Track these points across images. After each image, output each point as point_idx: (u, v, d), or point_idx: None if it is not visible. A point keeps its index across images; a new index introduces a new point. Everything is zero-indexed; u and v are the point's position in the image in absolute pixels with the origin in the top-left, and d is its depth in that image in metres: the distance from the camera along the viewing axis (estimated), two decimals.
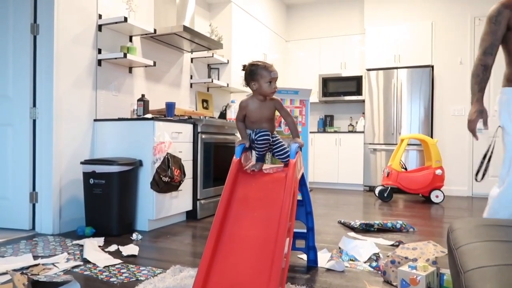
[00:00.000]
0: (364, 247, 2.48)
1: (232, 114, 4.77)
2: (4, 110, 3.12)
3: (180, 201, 3.43)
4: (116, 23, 3.36)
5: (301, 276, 2.10)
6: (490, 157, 2.23)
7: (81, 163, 3.02)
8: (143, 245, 2.70)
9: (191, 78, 4.70)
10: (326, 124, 6.63)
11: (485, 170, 2.26)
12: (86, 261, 2.27)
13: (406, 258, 2.08)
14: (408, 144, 5.27)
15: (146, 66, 3.80)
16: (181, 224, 3.43)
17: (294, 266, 2.27)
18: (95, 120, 3.33)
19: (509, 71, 2.05)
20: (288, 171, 1.88)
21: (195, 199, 3.61)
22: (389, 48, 5.89)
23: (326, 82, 6.39)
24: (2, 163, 3.12)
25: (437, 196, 4.73)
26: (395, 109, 5.75)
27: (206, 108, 4.92)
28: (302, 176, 2.14)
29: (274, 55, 6.34)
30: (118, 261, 2.28)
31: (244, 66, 1.92)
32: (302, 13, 6.88)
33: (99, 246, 2.59)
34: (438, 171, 4.72)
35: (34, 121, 3.06)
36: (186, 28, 3.78)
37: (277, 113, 2.03)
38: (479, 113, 2.06)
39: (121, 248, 2.55)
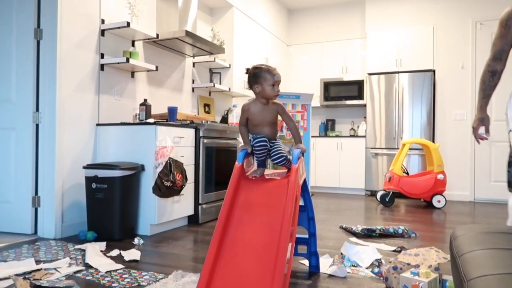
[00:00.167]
0: (366, 253, 2.48)
1: (234, 118, 4.78)
2: (7, 115, 3.13)
3: (181, 205, 3.43)
4: (118, 28, 3.38)
5: (303, 282, 2.10)
6: None
7: (84, 167, 3.03)
8: (145, 250, 2.70)
9: (193, 82, 4.72)
10: (327, 128, 6.63)
11: None
12: (88, 266, 2.27)
13: (408, 264, 2.08)
14: (409, 149, 5.27)
15: (148, 71, 3.82)
16: (182, 228, 3.43)
17: (296, 271, 2.26)
18: (98, 124, 3.34)
19: None
20: (290, 176, 1.89)
21: (196, 203, 3.61)
22: (391, 52, 5.90)
23: (327, 86, 6.40)
24: (5, 167, 3.13)
25: (439, 201, 4.72)
26: (397, 114, 5.76)
27: (208, 112, 4.93)
28: (304, 181, 2.14)
29: (275, 59, 6.35)
30: (120, 266, 2.28)
31: (248, 69, 1.94)
32: (303, 18, 6.90)
33: (101, 251, 2.59)
34: (440, 176, 4.72)
35: (37, 125, 3.07)
36: (188, 33, 3.80)
37: (279, 117, 2.04)
38: (480, 121, 2.07)
39: (123, 253, 2.55)
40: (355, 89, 6.26)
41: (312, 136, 6.16)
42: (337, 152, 6.14)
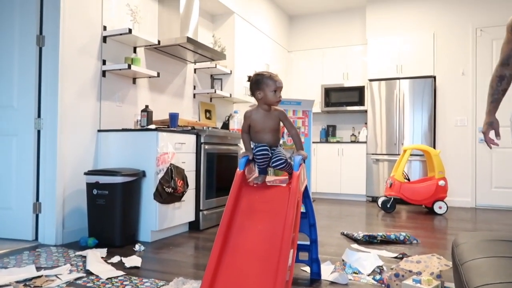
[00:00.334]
0: (367, 260, 2.47)
1: (235, 124, 4.79)
2: (9, 121, 3.14)
3: (182, 212, 3.43)
4: (120, 34, 3.40)
5: None
6: None
7: (85, 173, 3.03)
8: (145, 256, 2.70)
9: (194, 88, 4.73)
10: (328, 134, 6.63)
11: None
12: (89, 273, 2.27)
13: (410, 271, 2.07)
14: (410, 155, 5.26)
15: (150, 77, 3.83)
16: (183, 235, 3.43)
17: (297, 278, 2.25)
18: (99, 130, 3.35)
19: None
20: (291, 183, 1.89)
21: (197, 210, 3.61)
22: (391, 58, 5.92)
23: (328, 92, 6.41)
24: (7, 173, 3.13)
25: (440, 207, 4.71)
26: (398, 120, 5.76)
27: (209, 118, 4.94)
28: (306, 188, 2.14)
29: (276, 65, 6.37)
30: (121, 272, 2.28)
31: (249, 77, 1.96)
32: (304, 24, 6.93)
33: (102, 258, 2.59)
34: (441, 182, 4.71)
35: (39, 131, 3.07)
36: (189, 39, 3.82)
37: (281, 124, 2.04)
38: (489, 126, 2.07)
39: (124, 259, 2.55)
40: (356, 95, 6.28)
41: (313, 142, 6.16)
42: (338, 158, 6.14)
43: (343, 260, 2.53)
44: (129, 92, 3.71)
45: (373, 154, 5.87)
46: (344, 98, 6.34)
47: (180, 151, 3.37)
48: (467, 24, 5.57)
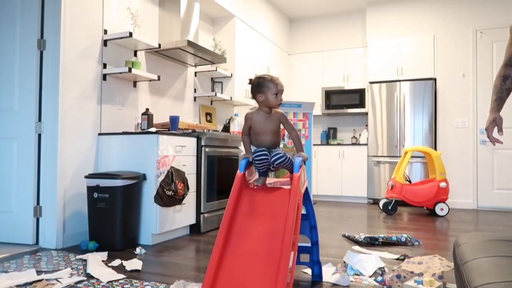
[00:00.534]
0: (369, 261, 2.46)
1: (235, 127, 4.79)
2: (10, 124, 3.14)
3: (183, 214, 3.42)
4: (121, 38, 3.41)
5: None
6: None
7: (85, 177, 3.03)
8: (146, 259, 2.69)
9: (194, 91, 4.73)
10: (329, 136, 6.63)
11: None
12: (89, 276, 2.26)
13: (412, 272, 2.07)
14: (411, 157, 5.26)
15: (150, 80, 3.84)
16: (184, 238, 3.42)
17: (298, 280, 2.24)
18: (100, 134, 3.35)
19: None
20: (292, 185, 1.88)
21: (198, 212, 3.60)
22: (392, 61, 5.92)
23: (329, 95, 6.42)
24: (7, 177, 3.13)
25: (441, 209, 4.69)
26: (398, 122, 5.76)
27: (209, 121, 4.94)
28: (306, 189, 2.14)
29: (277, 68, 6.38)
30: (122, 276, 2.27)
31: (251, 79, 1.97)
32: (304, 27, 6.94)
33: (103, 261, 2.58)
34: (443, 184, 4.70)
35: (39, 135, 3.07)
36: (190, 43, 3.82)
37: (282, 126, 2.05)
38: (492, 122, 2.06)
39: (125, 262, 2.54)
40: (357, 97, 6.28)
41: (313, 145, 6.15)
42: (339, 160, 6.14)
43: (344, 262, 2.52)
44: (129, 96, 3.72)
45: (374, 156, 5.87)
46: (344, 101, 6.34)
47: (180, 154, 3.37)
48: (467, 26, 5.57)
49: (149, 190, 3.12)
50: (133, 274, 2.33)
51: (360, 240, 3.16)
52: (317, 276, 2.25)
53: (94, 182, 2.98)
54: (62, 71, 3.03)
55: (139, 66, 3.58)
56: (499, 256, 1.14)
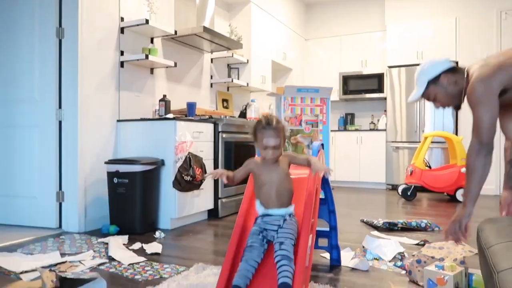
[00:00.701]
0: (388, 246, 2.44)
1: (252, 113, 4.77)
2: (31, 112, 3.20)
3: (201, 199, 3.45)
4: (137, 25, 3.41)
5: (325, 275, 2.08)
6: None
7: (105, 163, 3.08)
8: (166, 243, 2.73)
9: (211, 78, 4.73)
10: (347, 122, 6.56)
11: None
12: (111, 259, 2.31)
13: (432, 257, 2.04)
14: (431, 142, 5.16)
15: (167, 67, 3.85)
16: (203, 222, 3.46)
17: (317, 264, 2.24)
18: (118, 120, 3.38)
19: None
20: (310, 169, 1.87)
21: (216, 197, 3.63)
22: (412, 45, 5.78)
23: (346, 80, 6.32)
24: (30, 164, 3.21)
25: (462, 195, 4.60)
26: (418, 107, 5.64)
27: (226, 107, 4.94)
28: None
29: (293, 54, 6.31)
30: (142, 258, 2.31)
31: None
32: (321, 11, 6.82)
33: (123, 244, 2.63)
34: (464, 169, 4.59)
35: (60, 122, 3.13)
36: (206, 29, 3.80)
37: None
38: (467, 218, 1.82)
39: (145, 246, 2.59)
40: (375, 82, 6.17)
41: (331, 131, 6.10)
42: (356, 146, 6.07)
43: (363, 247, 2.51)
44: (147, 82, 3.74)
45: (392, 141, 5.78)
46: (362, 86, 6.25)
47: (198, 140, 3.38)
48: (490, 7, 5.38)
49: (168, 175, 3.15)
50: (153, 257, 2.37)
51: (379, 225, 3.14)
52: (336, 261, 2.24)
53: (113, 167, 3.03)
54: (81, 59, 3.06)
55: (155, 53, 3.59)
56: None
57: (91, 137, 3.15)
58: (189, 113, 3.61)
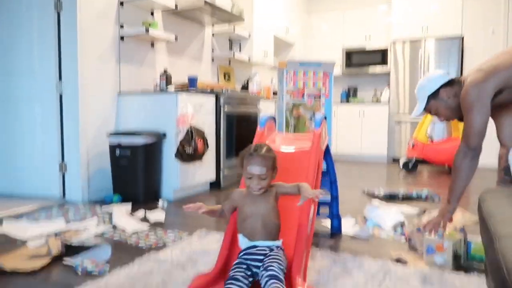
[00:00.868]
0: (388, 215, 2.46)
1: (254, 87, 4.74)
2: (32, 86, 3.19)
3: (203, 171, 3.48)
4: None
5: (326, 242, 2.11)
6: None
7: (107, 135, 3.09)
8: (168, 211, 2.77)
9: (212, 52, 4.68)
10: (349, 95, 6.50)
11: None
12: (115, 227, 2.35)
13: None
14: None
15: (167, 41, 3.80)
16: (205, 193, 3.49)
17: (317, 233, 2.27)
18: (119, 93, 3.37)
19: None
20: (313, 141, 1.87)
21: (218, 169, 3.65)
22: (417, 18, 5.67)
23: (350, 55, 6.25)
24: (32, 135, 3.22)
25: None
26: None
27: (228, 81, 4.90)
28: (327, 145, 2.12)
29: (296, 28, 6.21)
30: (146, 226, 2.35)
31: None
32: None
33: (127, 213, 2.66)
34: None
35: (61, 96, 3.12)
36: (207, 2, 3.74)
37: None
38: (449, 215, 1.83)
39: (148, 214, 2.62)
40: (378, 57, 6.09)
41: (333, 104, 6.07)
42: (359, 119, 6.04)
43: (364, 216, 2.54)
44: (147, 56, 3.70)
45: (395, 115, 5.76)
46: (366, 60, 6.18)
47: (199, 113, 3.38)
48: None
49: (169, 148, 3.16)
50: (157, 225, 2.41)
51: (380, 195, 3.16)
52: (336, 229, 2.27)
53: (115, 140, 3.04)
54: (80, 31, 3.02)
55: (156, 27, 3.54)
56: None
57: (92, 110, 3.14)
58: (191, 87, 3.59)
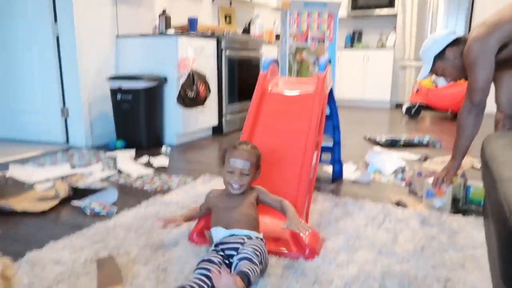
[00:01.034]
0: (390, 161, 2.49)
1: (256, 29, 4.59)
2: (27, 28, 3.08)
3: (206, 116, 3.47)
4: None
5: (327, 187, 2.15)
6: None
7: (107, 79, 3.04)
8: (172, 157, 2.80)
9: None
10: (354, 40, 6.32)
11: None
12: (120, 172, 2.38)
13: (433, 172, 2.08)
14: None
15: None
16: (207, 138, 3.51)
17: (319, 178, 2.30)
18: (118, 36, 3.27)
19: None
20: (317, 84, 1.83)
21: (220, 114, 3.64)
22: None
23: None
24: (31, 80, 3.17)
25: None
26: (430, 24, 5.39)
27: (229, 23, 4.74)
28: (331, 90, 2.09)
29: None
30: (150, 171, 2.38)
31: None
32: None
33: (131, 158, 2.69)
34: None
35: (58, 38, 3.02)
36: None
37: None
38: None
39: (152, 159, 2.65)
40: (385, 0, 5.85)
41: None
42: (363, 64, 5.92)
43: (365, 161, 2.56)
44: None
45: (400, 60, 5.64)
46: (372, 1, 5.92)
47: (200, 56, 3.30)
48: None
49: (171, 92, 3.13)
50: (161, 170, 2.44)
51: (382, 141, 3.17)
52: (338, 174, 2.30)
53: (116, 84, 2.99)
54: None
55: None
56: None
57: (90, 53, 3.06)
58: (191, 29, 3.47)
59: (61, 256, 1.30)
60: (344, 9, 6.01)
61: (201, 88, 3.12)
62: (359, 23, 6.42)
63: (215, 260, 1.12)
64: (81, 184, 2.01)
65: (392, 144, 3.15)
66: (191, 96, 3.06)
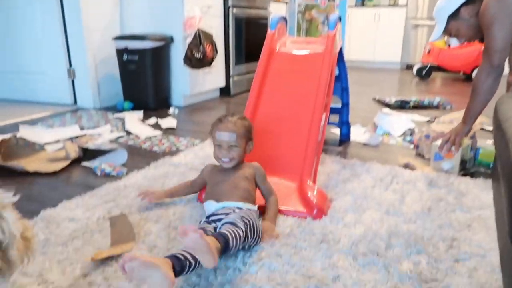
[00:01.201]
0: (399, 122, 2.46)
1: None
2: None
3: (213, 77, 3.43)
4: None
5: (335, 149, 2.15)
6: None
7: (113, 39, 2.99)
8: (180, 118, 2.80)
9: None
10: None
11: None
12: (128, 133, 2.40)
13: (442, 133, 2.06)
14: None
15: None
16: (215, 100, 3.50)
17: (326, 140, 2.29)
18: None
19: None
20: (326, 44, 1.79)
21: (228, 75, 3.60)
22: None
23: None
24: (35, 40, 3.13)
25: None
26: None
27: None
28: (340, 50, 2.04)
29: None
30: (159, 132, 2.40)
31: None
32: None
33: (139, 119, 2.70)
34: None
35: None
36: None
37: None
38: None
39: (160, 121, 2.66)
40: None
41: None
42: (374, 23, 5.74)
43: (374, 123, 2.55)
44: None
45: (413, 18, 5.45)
46: None
47: (207, 15, 3.21)
48: None
49: (178, 52, 3.08)
50: (169, 131, 2.45)
51: (391, 103, 3.13)
52: (345, 136, 2.29)
53: (122, 44, 2.95)
54: None
55: None
56: None
57: (95, 12, 3.00)
58: None
59: (75, 214, 1.34)
60: None
61: (208, 49, 3.06)
62: None
63: (208, 230, 1.08)
64: (91, 145, 2.03)
65: (401, 105, 3.11)
66: (198, 57, 3.01)
